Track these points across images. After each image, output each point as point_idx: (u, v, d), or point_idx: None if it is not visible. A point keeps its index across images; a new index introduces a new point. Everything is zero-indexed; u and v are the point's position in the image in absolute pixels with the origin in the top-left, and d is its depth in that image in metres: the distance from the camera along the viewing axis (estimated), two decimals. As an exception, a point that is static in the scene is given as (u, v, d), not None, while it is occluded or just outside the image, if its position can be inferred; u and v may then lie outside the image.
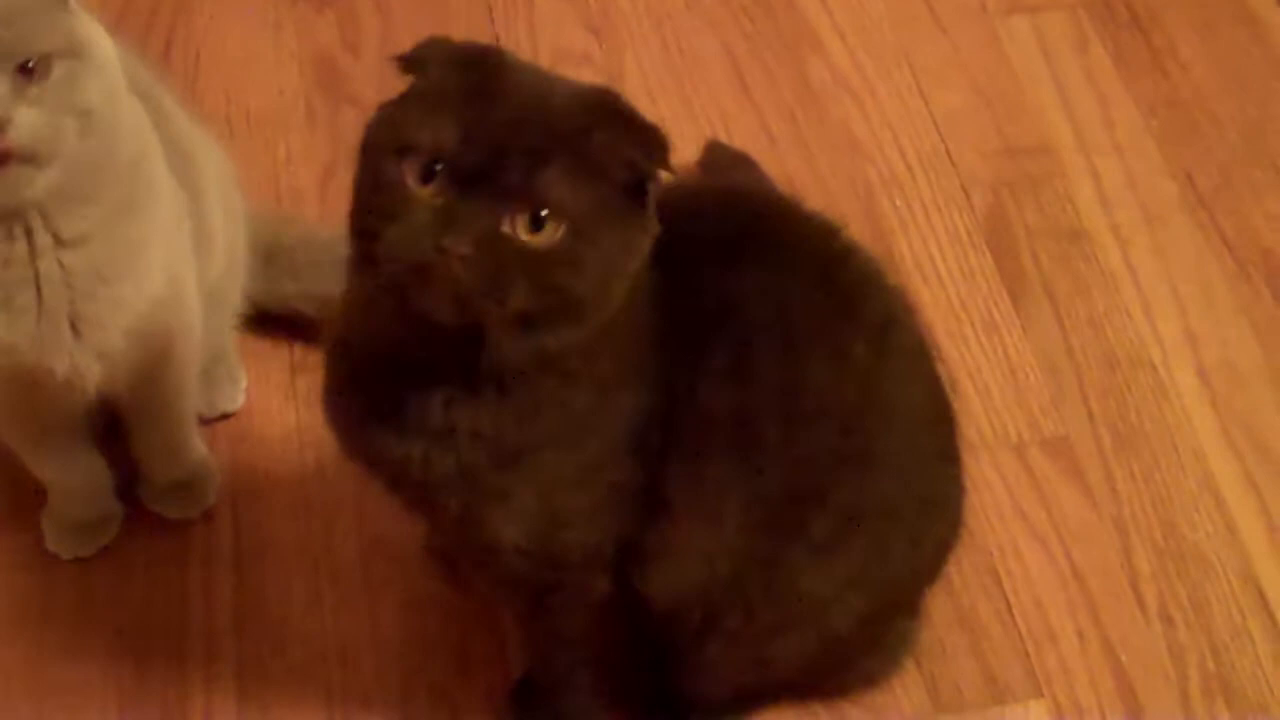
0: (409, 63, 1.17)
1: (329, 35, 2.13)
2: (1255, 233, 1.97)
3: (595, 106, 1.16)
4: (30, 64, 1.27)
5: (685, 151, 2.01)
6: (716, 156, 1.99)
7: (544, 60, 2.10)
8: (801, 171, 2.01)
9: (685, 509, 1.30)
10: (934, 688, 1.60)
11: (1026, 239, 1.95)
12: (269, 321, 1.81)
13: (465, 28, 2.14)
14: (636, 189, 1.15)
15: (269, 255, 1.77)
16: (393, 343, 1.21)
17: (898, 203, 1.98)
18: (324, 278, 1.72)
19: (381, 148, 1.14)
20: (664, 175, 1.17)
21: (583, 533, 1.31)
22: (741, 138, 2.04)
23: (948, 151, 2.03)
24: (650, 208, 1.17)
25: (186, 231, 1.51)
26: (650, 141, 1.16)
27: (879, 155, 2.03)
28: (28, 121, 1.27)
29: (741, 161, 1.97)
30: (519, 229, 1.11)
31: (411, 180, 1.12)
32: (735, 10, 2.18)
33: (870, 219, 1.96)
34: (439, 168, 1.11)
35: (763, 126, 2.06)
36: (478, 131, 1.12)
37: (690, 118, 2.07)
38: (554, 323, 1.14)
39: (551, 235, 1.11)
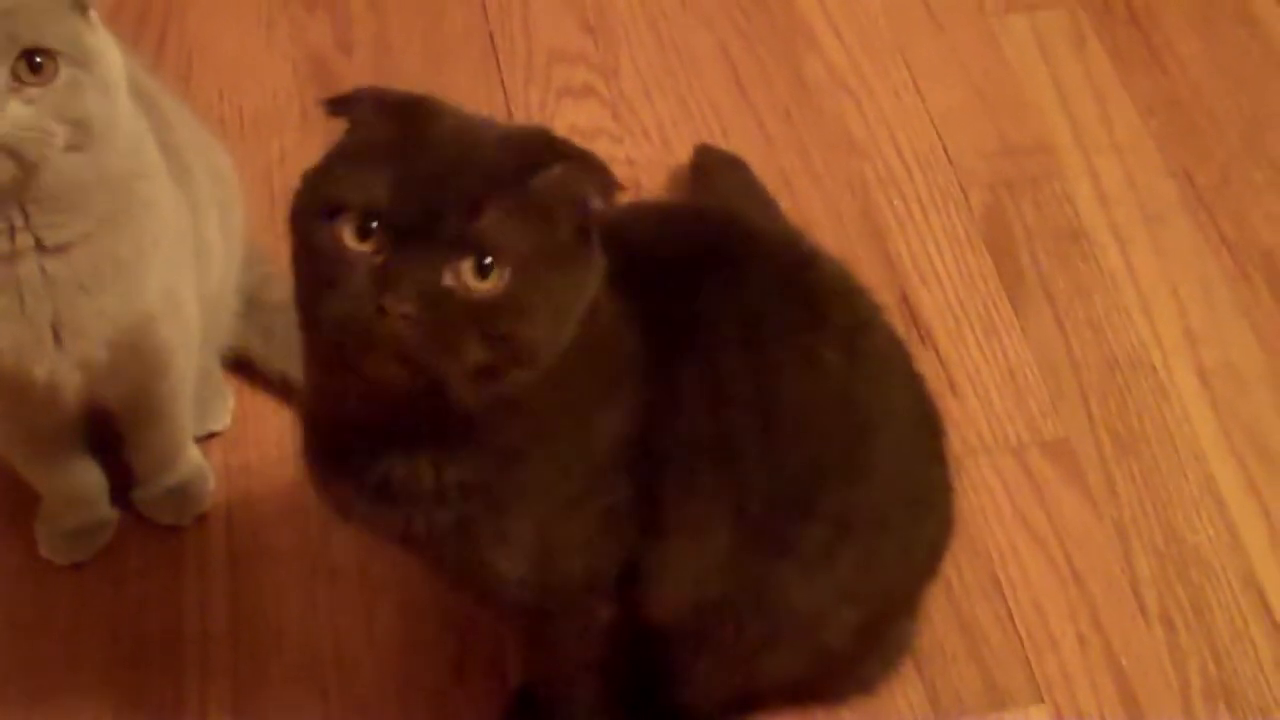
0: (337, 105, 1.14)
1: (321, 35, 2.12)
2: (1255, 233, 1.96)
3: (533, 147, 1.14)
4: (38, 59, 1.26)
5: (681, 151, 2.00)
6: (707, 160, 1.98)
7: (539, 62, 2.10)
8: (798, 170, 2.00)
9: (676, 527, 1.30)
10: (934, 693, 1.59)
11: (1025, 239, 1.94)
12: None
13: (460, 27, 2.13)
14: (580, 227, 1.13)
15: (249, 304, 1.76)
16: (360, 412, 1.19)
17: (895, 202, 1.97)
18: (290, 354, 1.67)
19: (311, 210, 1.11)
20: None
21: (583, 559, 1.30)
22: (737, 136, 2.03)
23: (945, 150, 2.02)
24: (594, 244, 1.15)
25: (188, 245, 1.50)
26: (599, 176, 1.13)
27: (876, 154, 2.02)
28: (16, 116, 1.25)
29: (732, 164, 1.96)
30: (465, 278, 1.08)
31: (349, 239, 1.08)
32: (731, 8, 2.17)
33: (867, 218, 1.96)
34: (374, 224, 1.08)
35: (759, 125, 2.05)
36: (409, 182, 1.08)
37: (686, 116, 2.06)
38: (508, 369, 1.12)
39: (497, 282, 1.08)
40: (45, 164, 1.29)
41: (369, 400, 1.16)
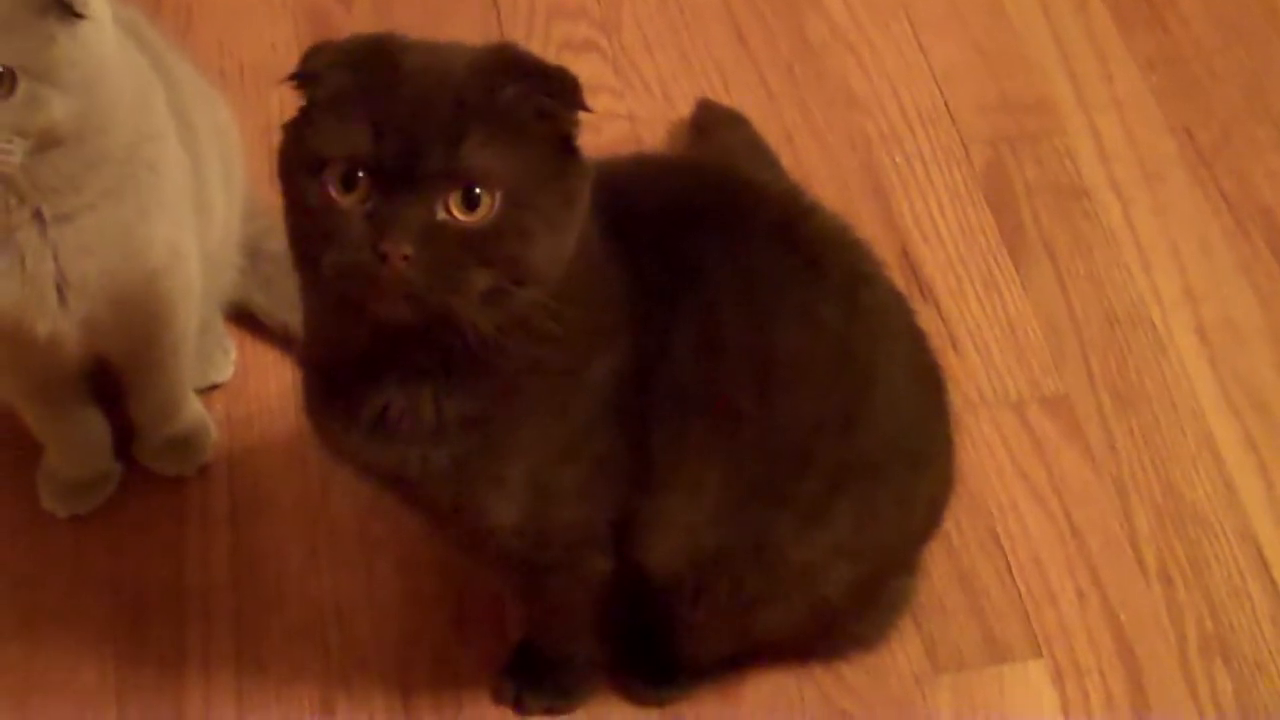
0: (303, 78, 1.14)
1: (322, -13, 2.12)
2: (1255, 190, 1.96)
3: (495, 64, 1.13)
4: None
5: (682, 107, 2.00)
6: (708, 115, 1.97)
7: (540, 17, 2.09)
8: (800, 127, 2.00)
9: (669, 480, 1.30)
10: (933, 648, 1.60)
11: (1026, 196, 1.94)
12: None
13: (459, -20, 2.12)
14: (560, 137, 1.13)
15: (250, 256, 1.75)
16: (363, 351, 1.20)
17: (897, 159, 1.97)
18: (291, 305, 1.68)
19: (296, 168, 1.12)
20: (581, 114, 1.14)
21: (575, 509, 1.30)
22: (739, 93, 2.03)
23: (947, 107, 2.02)
24: (578, 151, 1.15)
25: (190, 201, 1.50)
26: (558, 83, 1.13)
27: (878, 110, 2.02)
28: None
29: (733, 120, 1.96)
30: (455, 212, 1.09)
31: (335, 192, 1.09)
32: (733, -38, 2.17)
33: (869, 175, 1.95)
34: (360, 174, 1.09)
35: (761, 81, 2.04)
36: (387, 125, 1.09)
37: (688, 72, 2.05)
38: (516, 290, 1.12)
39: (489, 210, 1.09)
40: (10, 169, 1.28)
41: (375, 336, 1.17)
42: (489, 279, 1.10)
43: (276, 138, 1.87)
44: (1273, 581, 1.65)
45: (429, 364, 1.19)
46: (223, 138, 1.65)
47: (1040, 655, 1.61)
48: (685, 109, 1.99)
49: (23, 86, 1.26)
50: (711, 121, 1.97)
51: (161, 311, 1.50)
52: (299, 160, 1.12)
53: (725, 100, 2.00)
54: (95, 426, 1.65)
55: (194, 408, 1.69)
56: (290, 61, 1.96)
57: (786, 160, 1.93)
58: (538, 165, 1.12)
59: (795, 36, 2.09)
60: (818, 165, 1.95)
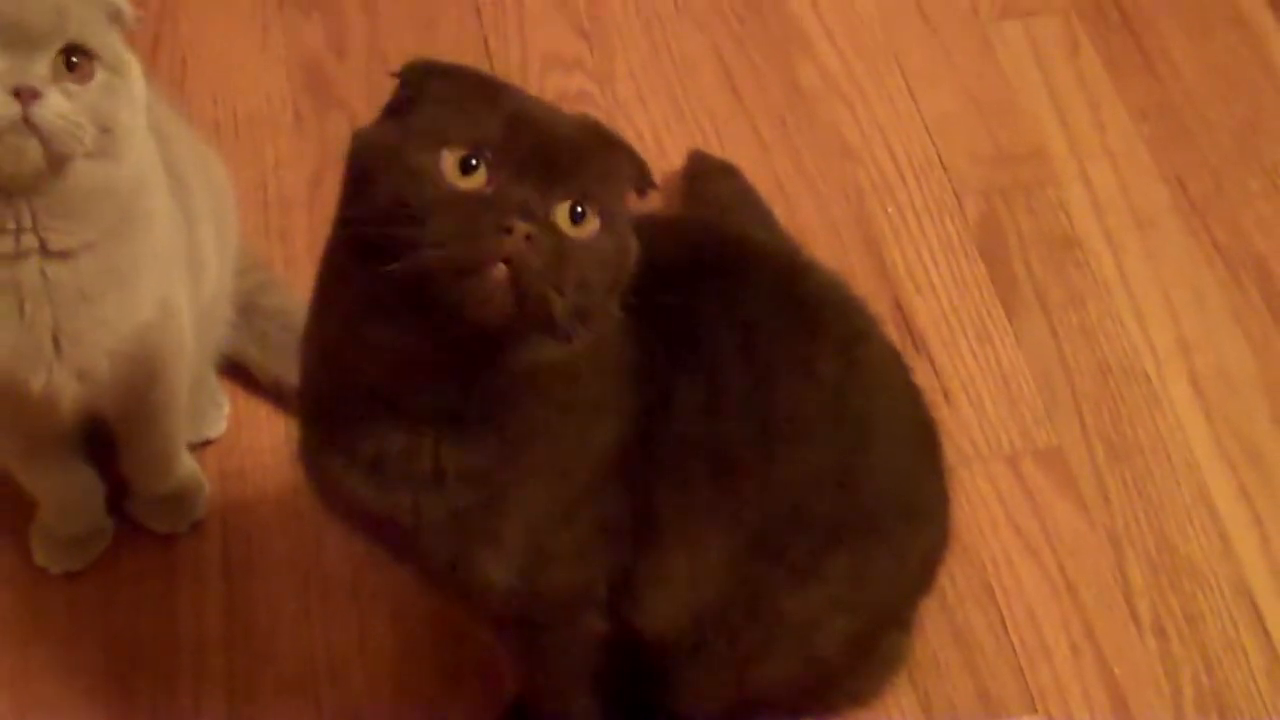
0: (407, 79, 1.16)
1: (316, 38, 2.11)
2: (1247, 238, 1.96)
3: (599, 127, 1.18)
4: (74, 60, 1.28)
5: (675, 158, 2.00)
6: (700, 166, 1.98)
7: (534, 65, 2.10)
8: (792, 176, 2.00)
9: (672, 540, 1.30)
10: (927, 703, 1.60)
11: (1019, 246, 1.95)
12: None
13: (454, 31, 2.12)
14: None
15: (244, 310, 1.75)
16: (373, 383, 1.18)
17: (889, 209, 1.97)
18: (286, 360, 1.67)
19: (400, 147, 1.10)
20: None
21: (572, 570, 1.30)
22: (731, 142, 2.03)
23: (939, 157, 2.03)
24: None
25: (183, 258, 1.50)
26: (643, 165, 1.19)
27: (870, 160, 2.03)
28: (57, 104, 1.27)
29: (725, 171, 1.97)
30: (561, 220, 1.09)
31: (450, 173, 1.08)
32: (725, 13, 2.17)
33: (861, 225, 1.96)
34: (474, 161, 1.08)
35: (753, 131, 2.05)
36: (521, 124, 1.11)
37: (680, 122, 2.05)
38: (570, 325, 1.11)
39: (588, 228, 1.11)
40: (69, 163, 1.30)
41: (402, 358, 1.14)
42: (575, 297, 1.10)
43: (272, 189, 1.94)
44: (1267, 634, 1.65)
45: (438, 410, 1.18)
46: (217, 194, 1.65)
47: (1035, 710, 1.60)
48: (678, 160, 1.99)
49: (101, 75, 1.30)
50: (704, 172, 1.97)
51: (153, 367, 1.49)
52: (408, 140, 1.10)
53: (718, 150, 2.01)
54: (86, 485, 1.64)
55: (187, 464, 1.68)
56: (284, 113, 2.02)
57: (779, 211, 1.93)
58: (620, 216, 1.15)
59: (788, 87, 2.09)
60: (810, 216, 1.95)
